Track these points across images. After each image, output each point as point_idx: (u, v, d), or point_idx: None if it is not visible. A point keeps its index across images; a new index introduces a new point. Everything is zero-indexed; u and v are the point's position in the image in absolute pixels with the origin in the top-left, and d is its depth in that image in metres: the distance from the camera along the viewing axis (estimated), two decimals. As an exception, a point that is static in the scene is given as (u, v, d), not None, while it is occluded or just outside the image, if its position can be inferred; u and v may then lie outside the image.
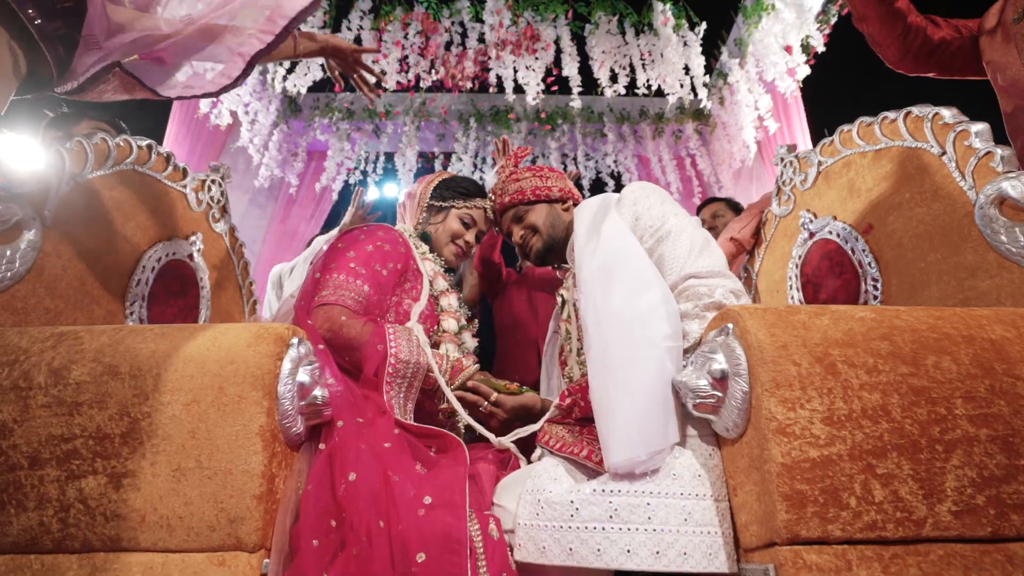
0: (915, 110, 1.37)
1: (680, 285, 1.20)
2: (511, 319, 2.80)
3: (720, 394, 0.95)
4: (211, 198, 1.97)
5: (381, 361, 1.15)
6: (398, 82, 3.84)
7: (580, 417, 1.15)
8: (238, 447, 0.91)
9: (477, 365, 1.34)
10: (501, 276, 2.76)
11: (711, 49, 4.22)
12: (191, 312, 1.79)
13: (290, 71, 3.80)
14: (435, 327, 1.43)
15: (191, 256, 1.82)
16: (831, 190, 1.74)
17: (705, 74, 3.78)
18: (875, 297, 1.52)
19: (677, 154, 4.91)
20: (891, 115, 1.45)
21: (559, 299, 1.68)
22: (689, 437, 1.03)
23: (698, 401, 0.96)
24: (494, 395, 1.28)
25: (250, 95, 4.08)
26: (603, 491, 0.94)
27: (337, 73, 1.69)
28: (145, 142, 1.60)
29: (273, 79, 3.78)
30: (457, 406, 1.22)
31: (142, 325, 1.08)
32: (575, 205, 1.68)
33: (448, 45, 3.81)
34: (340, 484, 0.92)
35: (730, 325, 0.97)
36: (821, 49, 3.22)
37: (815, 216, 1.81)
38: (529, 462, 1.20)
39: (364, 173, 4.81)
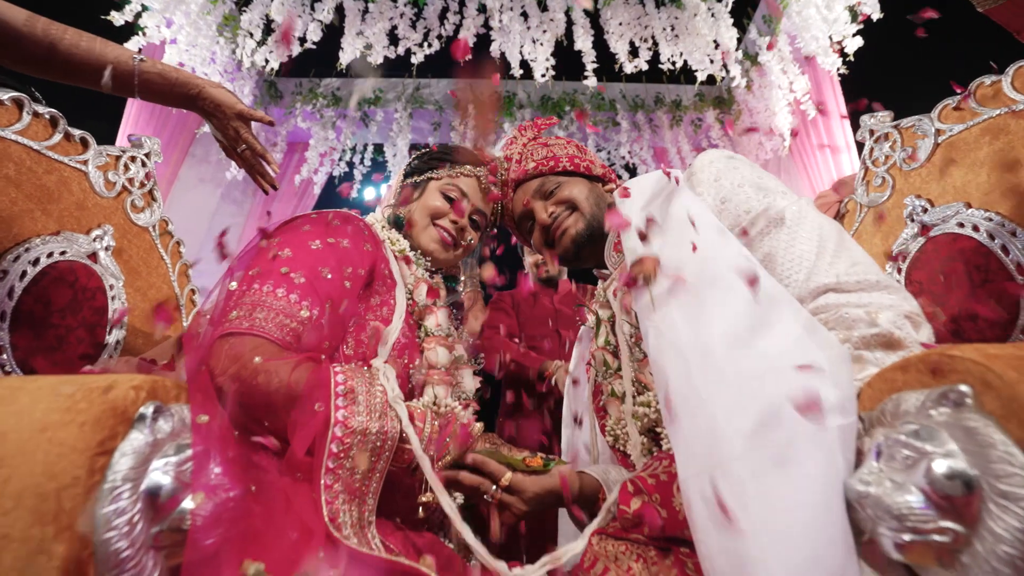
0: None
1: (811, 304, 0.74)
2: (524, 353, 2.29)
3: (957, 528, 0.49)
4: (130, 180, 1.51)
5: (319, 432, 0.69)
6: (386, 58, 3.37)
7: (660, 535, 0.68)
8: (-6, 647, 0.45)
9: (479, 425, 0.88)
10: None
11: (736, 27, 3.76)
12: (90, 334, 1.32)
13: (261, 43, 3.32)
14: (416, 361, 0.97)
15: (94, 256, 1.36)
16: (959, 168, 1.29)
17: (736, 49, 3.32)
18: (1049, 316, 1.06)
19: (697, 145, 4.45)
20: (1084, 51, 1.00)
21: (590, 318, 1.22)
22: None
23: (909, 538, 0.50)
24: (507, 475, 0.82)
25: (220, 74, 3.60)
26: None
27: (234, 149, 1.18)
28: (8, 95, 1.14)
29: (242, 54, 3.30)
30: (449, 507, 0.74)
31: None
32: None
33: (444, 13, 3.35)
34: None
35: (964, 388, 0.51)
36: (878, 15, 2.76)
37: (931, 203, 1.35)
38: (568, 606, 0.74)
39: (350, 165, 4.33)
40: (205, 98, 1.09)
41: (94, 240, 1.36)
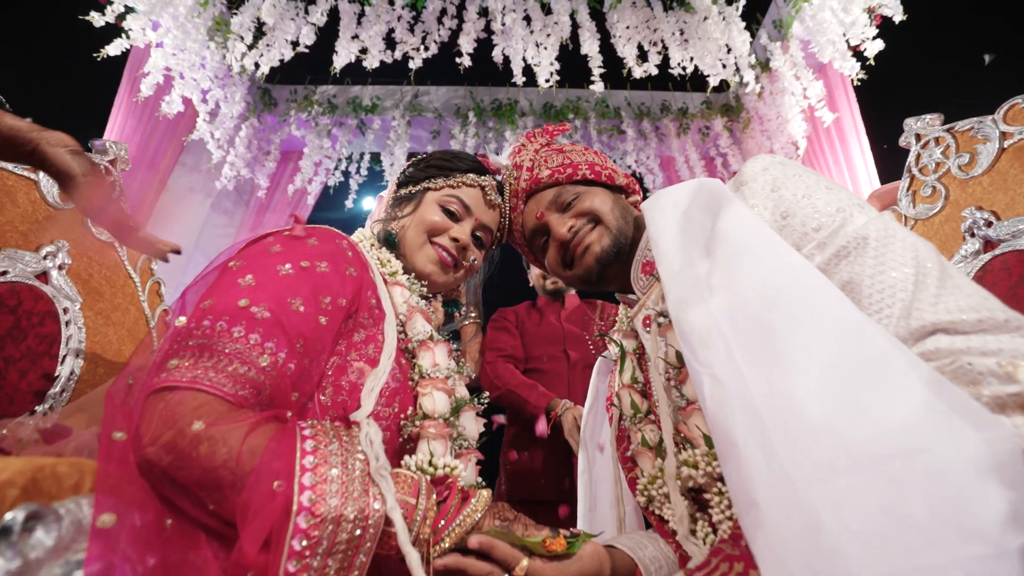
0: None
1: (914, 349, 0.58)
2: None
3: None
4: (91, 191, 1.35)
5: (277, 521, 0.53)
6: (382, 62, 3.22)
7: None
8: None
9: (487, 493, 0.71)
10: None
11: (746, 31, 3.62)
12: (35, 365, 1.15)
13: (252, 46, 3.18)
14: (408, 411, 0.80)
15: (44, 276, 1.19)
16: (1031, 176, 1.13)
17: (749, 54, 3.18)
18: None
19: (705, 154, 4.30)
20: None
21: (612, 348, 1.06)
22: None
23: None
24: (523, 562, 0.65)
25: (210, 80, 3.45)
26: None
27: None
28: (-67, 91, 0.98)
29: (233, 59, 3.15)
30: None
31: None
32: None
33: (443, 16, 3.21)
34: None
35: None
36: (900, 17, 2.62)
37: (996, 216, 1.19)
38: None
39: (345, 174, 4.18)
40: (42, 157, 0.84)
41: (44, 258, 1.19)
